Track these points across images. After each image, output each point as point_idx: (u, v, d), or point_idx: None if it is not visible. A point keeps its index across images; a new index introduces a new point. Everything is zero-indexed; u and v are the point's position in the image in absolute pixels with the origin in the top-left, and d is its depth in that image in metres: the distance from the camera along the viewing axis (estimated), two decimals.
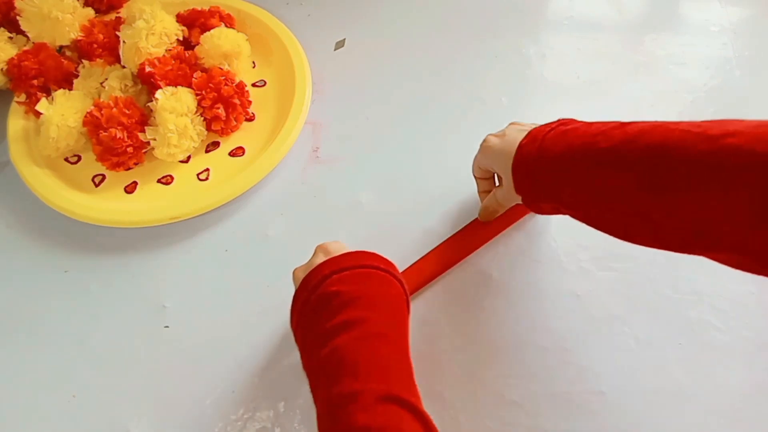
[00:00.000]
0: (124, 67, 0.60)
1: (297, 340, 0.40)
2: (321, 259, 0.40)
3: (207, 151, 0.59)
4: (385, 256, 0.41)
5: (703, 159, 0.32)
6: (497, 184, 0.49)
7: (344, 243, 0.43)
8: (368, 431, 0.30)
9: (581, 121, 0.42)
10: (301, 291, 0.39)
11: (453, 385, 0.46)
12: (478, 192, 0.52)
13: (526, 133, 0.43)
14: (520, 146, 0.42)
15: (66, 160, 0.58)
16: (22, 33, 0.62)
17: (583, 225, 0.42)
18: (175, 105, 0.55)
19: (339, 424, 0.31)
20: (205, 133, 0.59)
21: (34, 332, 0.50)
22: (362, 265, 0.39)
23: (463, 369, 0.46)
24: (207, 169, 0.58)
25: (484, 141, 0.47)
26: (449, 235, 0.53)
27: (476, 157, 0.49)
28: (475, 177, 0.51)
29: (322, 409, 0.33)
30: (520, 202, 0.45)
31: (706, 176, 0.32)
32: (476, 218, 0.53)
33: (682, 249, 0.35)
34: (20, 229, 0.55)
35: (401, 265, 0.51)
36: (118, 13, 0.67)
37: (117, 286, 0.52)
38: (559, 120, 0.43)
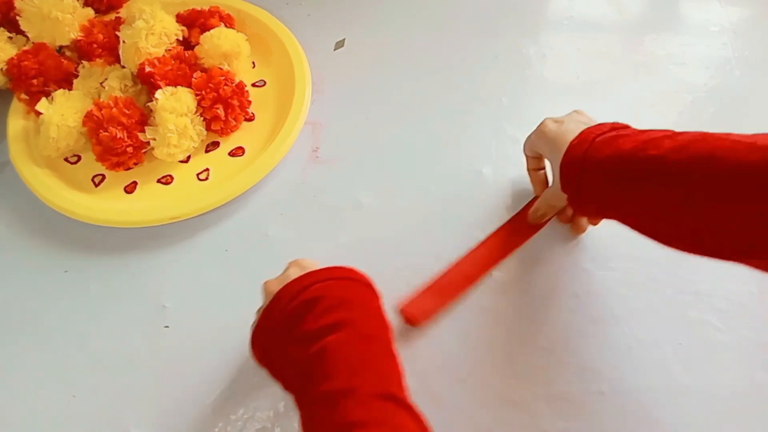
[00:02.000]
0: (123, 67, 0.60)
1: (269, 348, 0.38)
2: (297, 273, 0.39)
3: (207, 151, 0.59)
4: (362, 272, 0.40)
5: (754, 168, 0.31)
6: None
7: (317, 261, 0.42)
8: (364, 426, 0.29)
9: (634, 128, 0.42)
10: (276, 302, 0.37)
11: (453, 385, 0.46)
12: (528, 169, 0.53)
13: (583, 126, 0.43)
14: (571, 146, 0.43)
15: (66, 160, 0.58)
16: (22, 33, 0.62)
17: None
18: (174, 105, 0.55)
19: (333, 418, 0.30)
20: (205, 133, 0.59)
21: (34, 332, 0.50)
22: (343, 277, 0.39)
23: (463, 369, 0.46)
24: (207, 169, 0.58)
25: (542, 124, 0.47)
26: (448, 235, 0.53)
27: (530, 136, 0.49)
28: (525, 154, 0.52)
29: (310, 406, 0.33)
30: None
31: (758, 185, 0.31)
32: (499, 228, 0.53)
33: (729, 257, 0.35)
34: (20, 229, 0.55)
35: (403, 265, 0.51)
36: (117, 13, 0.67)
37: (117, 286, 0.52)
38: (613, 124, 0.43)
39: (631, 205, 0.39)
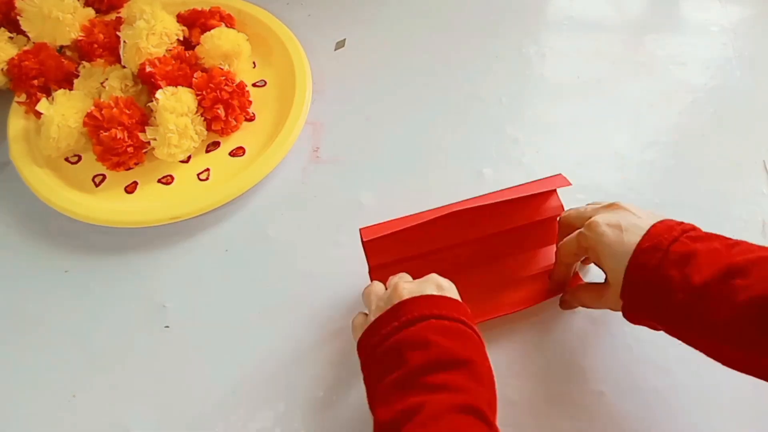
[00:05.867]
0: (124, 67, 0.60)
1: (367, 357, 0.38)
2: (432, 290, 0.38)
3: (207, 151, 0.59)
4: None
5: None
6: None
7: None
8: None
9: (704, 243, 0.37)
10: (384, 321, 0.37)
11: None
12: (560, 262, 0.46)
13: (641, 232, 0.39)
14: (640, 250, 0.38)
15: (66, 160, 0.58)
16: (23, 33, 0.62)
17: None
18: (175, 105, 0.55)
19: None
20: (206, 133, 0.59)
21: (34, 332, 0.50)
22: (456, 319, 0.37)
23: None
24: (207, 169, 0.58)
25: (595, 224, 0.40)
26: None
27: (575, 238, 0.42)
28: (560, 260, 0.45)
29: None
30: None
31: None
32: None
33: None
34: (20, 229, 0.55)
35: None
36: (118, 13, 0.67)
37: (117, 286, 0.52)
38: (681, 225, 0.39)
39: (694, 338, 0.38)
